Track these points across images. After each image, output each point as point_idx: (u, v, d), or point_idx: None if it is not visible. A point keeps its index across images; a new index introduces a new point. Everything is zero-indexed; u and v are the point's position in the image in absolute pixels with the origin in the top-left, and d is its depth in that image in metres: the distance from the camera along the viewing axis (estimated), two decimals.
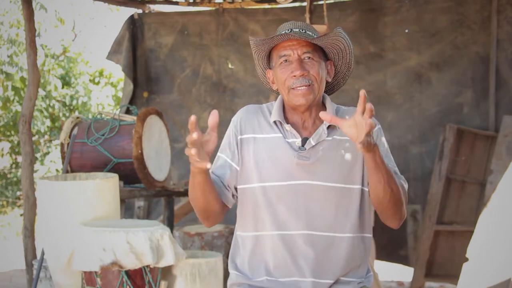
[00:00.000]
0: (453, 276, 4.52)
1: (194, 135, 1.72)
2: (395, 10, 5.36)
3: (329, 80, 2.08)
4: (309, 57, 2.00)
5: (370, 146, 1.76)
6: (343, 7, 5.54)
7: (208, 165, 1.78)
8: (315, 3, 5.44)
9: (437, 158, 4.95)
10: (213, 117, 1.77)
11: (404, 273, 5.55)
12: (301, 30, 2.00)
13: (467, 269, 3.99)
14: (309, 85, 1.98)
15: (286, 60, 2.00)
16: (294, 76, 1.98)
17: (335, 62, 2.10)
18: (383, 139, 2.06)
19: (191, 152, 1.74)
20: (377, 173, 1.85)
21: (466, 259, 4.03)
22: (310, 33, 2.00)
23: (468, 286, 3.93)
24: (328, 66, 2.07)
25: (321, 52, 2.04)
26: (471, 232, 4.17)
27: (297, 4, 5.71)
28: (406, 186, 2.00)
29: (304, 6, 5.38)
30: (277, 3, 5.52)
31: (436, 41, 5.25)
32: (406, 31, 5.34)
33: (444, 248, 5.03)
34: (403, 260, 5.32)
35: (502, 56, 5.04)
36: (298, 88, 1.98)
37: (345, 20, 5.48)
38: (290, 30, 2.01)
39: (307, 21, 5.13)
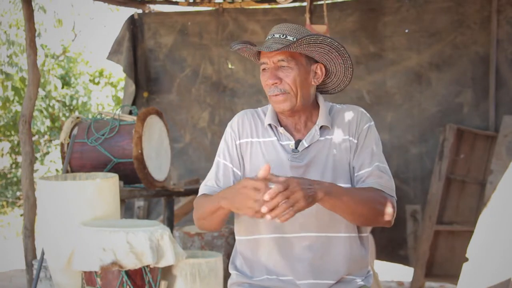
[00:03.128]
0: (453, 276, 4.52)
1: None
2: (395, 10, 5.35)
3: (317, 83, 2.04)
4: (284, 65, 1.98)
5: (309, 201, 1.75)
6: (343, 7, 5.53)
7: (269, 217, 1.72)
8: (315, 3, 5.43)
9: (437, 158, 4.95)
10: (265, 171, 1.74)
11: (404, 273, 5.55)
12: (281, 36, 1.97)
13: (467, 269, 3.99)
14: (284, 93, 1.97)
15: (264, 69, 2.02)
16: (267, 84, 2.00)
17: (327, 64, 2.06)
18: (373, 137, 2.03)
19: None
20: (337, 211, 1.89)
21: (466, 259, 4.03)
22: (291, 38, 1.96)
23: (468, 286, 3.93)
24: (317, 69, 2.03)
25: (304, 57, 2.00)
26: (471, 232, 4.17)
27: (297, 4, 5.71)
28: (390, 183, 1.97)
29: (304, 6, 5.38)
30: (277, 3, 5.51)
31: (436, 41, 5.24)
32: (406, 31, 5.33)
33: (444, 248, 5.02)
34: (403, 260, 5.32)
35: (502, 56, 5.03)
36: (273, 96, 1.99)
37: (345, 20, 5.48)
38: (272, 35, 2.00)
39: (307, 21, 5.13)
